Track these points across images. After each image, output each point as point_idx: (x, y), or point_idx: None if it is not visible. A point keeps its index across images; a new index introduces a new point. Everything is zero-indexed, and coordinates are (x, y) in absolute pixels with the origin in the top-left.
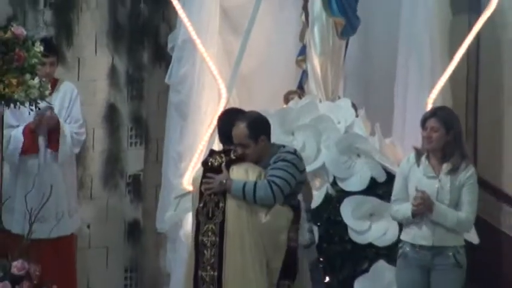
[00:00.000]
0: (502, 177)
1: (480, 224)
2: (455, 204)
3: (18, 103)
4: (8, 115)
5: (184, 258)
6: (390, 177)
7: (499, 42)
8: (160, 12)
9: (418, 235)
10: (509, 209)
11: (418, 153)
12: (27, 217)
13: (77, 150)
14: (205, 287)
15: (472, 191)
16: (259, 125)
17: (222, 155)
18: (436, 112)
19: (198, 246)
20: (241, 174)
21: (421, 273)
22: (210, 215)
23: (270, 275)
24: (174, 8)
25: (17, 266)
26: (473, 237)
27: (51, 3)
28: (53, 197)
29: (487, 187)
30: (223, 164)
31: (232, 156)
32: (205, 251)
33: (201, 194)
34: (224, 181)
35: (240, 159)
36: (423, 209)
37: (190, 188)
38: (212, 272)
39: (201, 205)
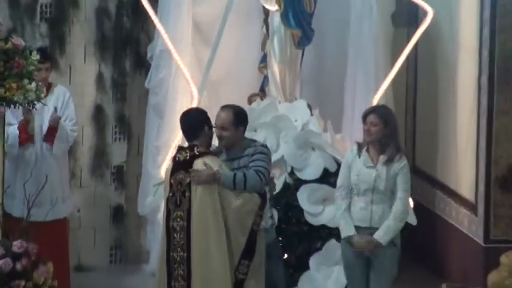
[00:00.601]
0: (436, 167)
1: (418, 208)
2: (390, 190)
3: (17, 104)
4: (8, 114)
5: (158, 239)
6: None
7: (434, 51)
8: (141, 26)
9: (357, 218)
10: (442, 195)
11: (360, 146)
12: (25, 203)
13: (70, 144)
14: (176, 266)
15: (405, 180)
16: (243, 117)
17: (187, 150)
18: (375, 109)
19: (169, 230)
20: (201, 165)
21: (361, 251)
22: (178, 203)
23: (232, 254)
24: (152, 22)
25: (17, 245)
26: (411, 219)
27: (46, 17)
28: (48, 185)
29: (423, 176)
30: (202, 160)
31: (196, 151)
32: (175, 235)
33: (170, 185)
34: (214, 174)
35: (202, 154)
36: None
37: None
38: (182, 253)
39: (170, 194)
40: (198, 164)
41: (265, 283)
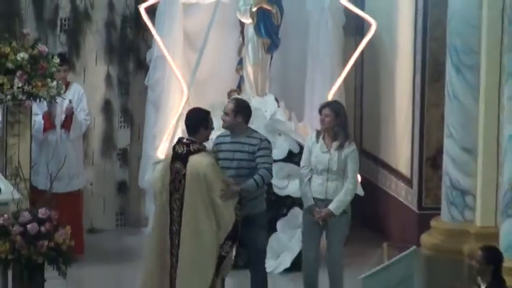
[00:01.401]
0: (379, 149)
1: (364, 182)
2: (342, 170)
3: (42, 98)
4: (35, 106)
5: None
6: (302, 149)
7: (377, 55)
8: (141, 35)
9: (315, 191)
10: (384, 171)
11: (318, 134)
12: (48, 178)
13: (84, 130)
14: (175, 236)
15: (354, 162)
16: (242, 108)
17: (185, 145)
18: (329, 104)
19: (171, 208)
20: (196, 161)
21: (318, 219)
22: (177, 188)
23: (218, 235)
24: (150, 32)
25: (41, 212)
26: (359, 191)
27: (65, 29)
28: (66, 163)
29: (369, 156)
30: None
31: (191, 148)
32: (174, 212)
33: (171, 169)
34: (237, 191)
35: (196, 151)
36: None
37: (162, 157)
38: (178, 227)
39: (171, 179)
40: (193, 160)
41: (250, 250)
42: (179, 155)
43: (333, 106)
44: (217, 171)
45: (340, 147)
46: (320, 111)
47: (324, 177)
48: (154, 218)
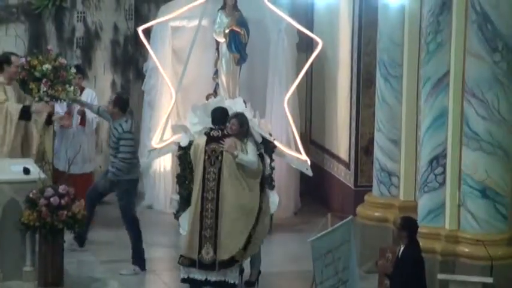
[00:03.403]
0: (324, 139)
1: (313, 165)
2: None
3: (62, 100)
4: (57, 106)
5: (151, 185)
6: (264, 140)
7: (323, 67)
8: (139, 51)
9: None
10: (328, 157)
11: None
12: (67, 161)
13: (95, 126)
14: (207, 202)
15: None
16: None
17: (220, 131)
18: (237, 115)
19: (204, 180)
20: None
21: None
22: (213, 163)
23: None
24: (147, 48)
25: (61, 188)
26: (309, 171)
27: (80, 46)
28: (81, 151)
29: (316, 145)
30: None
31: (225, 132)
32: (208, 182)
33: (205, 151)
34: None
35: (230, 135)
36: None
37: (156, 146)
38: (213, 194)
39: (206, 157)
40: (228, 140)
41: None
42: (215, 138)
43: (239, 117)
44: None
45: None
46: (230, 120)
47: None
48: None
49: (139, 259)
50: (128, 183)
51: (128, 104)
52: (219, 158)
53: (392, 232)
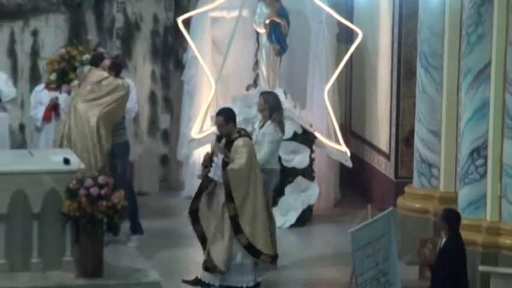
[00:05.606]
0: (364, 130)
1: (353, 157)
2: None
3: None
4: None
5: (190, 175)
6: (304, 131)
7: (363, 58)
8: (179, 41)
9: None
10: (368, 148)
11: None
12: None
13: (133, 116)
14: None
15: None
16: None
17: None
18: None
19: None
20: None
21: None
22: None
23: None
24: (186, 39)
25: (101, 179)
26: (348, 163)
27: (119, 36)
28: None
29: (356, 136)
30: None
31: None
32: None
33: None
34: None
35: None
36: None
37: (196, 137)
38: None
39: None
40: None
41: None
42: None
43: (265, 97)
44: None
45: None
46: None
47: None
48: None
49: (139, 226)
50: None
51: (121, 68)
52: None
53: (434, 224)
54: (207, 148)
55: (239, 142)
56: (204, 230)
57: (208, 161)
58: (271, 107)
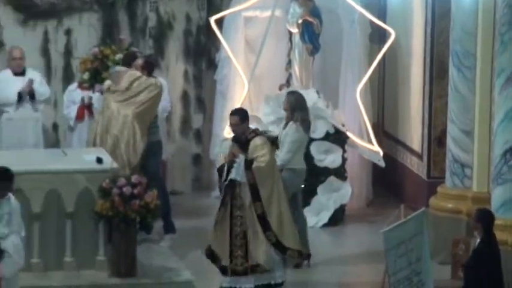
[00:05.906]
0: (397, 130)
1: (386, 156)
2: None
3: None
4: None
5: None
6: (337, 130)
7: (396, 58)
8: (212, 41)
9: None
10: (401, 148)
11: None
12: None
13: (166, 115)
14: None
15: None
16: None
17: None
18: (287, 93)
19: None
20: None
21: None
22: None
23: None
24: (219, 38)
25: (134, 178)
26: (381, 163)
27: (152, 35)
28: None
29: (389, 136)
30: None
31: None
32: None
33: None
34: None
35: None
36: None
37: (228, 136)
38: None
39: None
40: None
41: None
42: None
43: (289, 99)
44: None
45: (285, 125)
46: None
47: None
48: None
49: (171, 225)
50: (160, 144)
51: (154, 67)
52: None
53: (466, 224)
54: None
55: (256, 141)
56: (221, 258)
57: (230, 162)
58: (293, 107)
